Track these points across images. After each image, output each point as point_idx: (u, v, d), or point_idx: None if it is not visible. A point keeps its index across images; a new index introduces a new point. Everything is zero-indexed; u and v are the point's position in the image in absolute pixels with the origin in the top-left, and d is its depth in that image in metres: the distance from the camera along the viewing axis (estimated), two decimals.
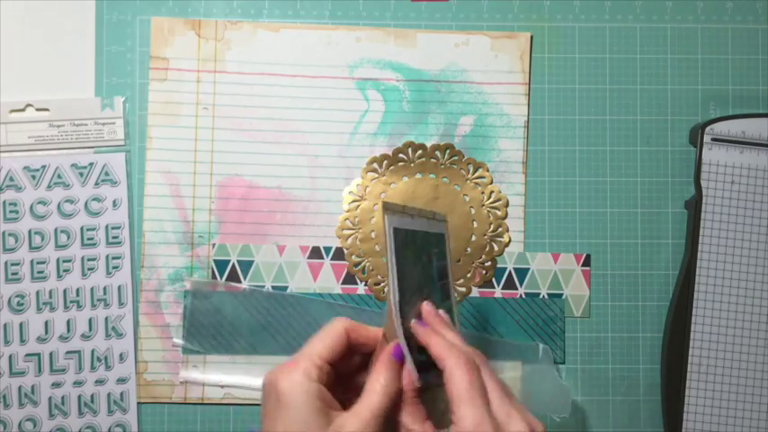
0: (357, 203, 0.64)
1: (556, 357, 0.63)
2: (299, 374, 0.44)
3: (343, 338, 0.46)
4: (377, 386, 0.44)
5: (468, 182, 0.64)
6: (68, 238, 0.63)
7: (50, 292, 0.63)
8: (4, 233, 0.63)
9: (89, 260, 0.63)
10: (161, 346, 0.63)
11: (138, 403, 0.63)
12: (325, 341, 0.46)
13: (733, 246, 0.62)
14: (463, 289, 0.64)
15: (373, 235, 0.64)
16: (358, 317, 0.63)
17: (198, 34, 0.64)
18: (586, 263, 0.64)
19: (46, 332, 0.63)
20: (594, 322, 0.64)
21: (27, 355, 0.63)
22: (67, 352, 0.63)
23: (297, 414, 0.43)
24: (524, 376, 0.63)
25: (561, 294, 0.64)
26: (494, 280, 0.64)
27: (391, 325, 0.45)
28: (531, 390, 0.63)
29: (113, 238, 0.63)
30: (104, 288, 0.63)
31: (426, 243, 0.49)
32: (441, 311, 0.48)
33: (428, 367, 0.45)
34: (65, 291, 0.63)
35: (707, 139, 0.63)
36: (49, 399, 0.62)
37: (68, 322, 0.63)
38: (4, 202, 0.63)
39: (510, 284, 0.64)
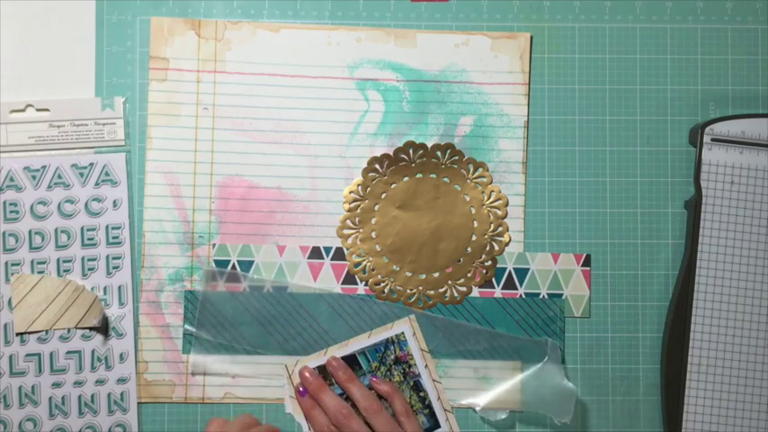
0: (358, 203, 0.64)
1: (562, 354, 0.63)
2: None
3: None
4: None
5: (469, 182, 0.64)
6: (69, 238, 0.63)
7: None
8: (4, 233, 0.63)
9: (89, 260, 0.63)
10: (161, 346, 0.63)
11: (139, 403, 0.63)
12: None
13: (733, 246, 0.62)
14: (464, 288, 0.64)
15: (374, 235, 0.64)
16: (357, 315, 0.63)
17: (198, 34, 0.64)
18: (586, 263, 0.64)
19: (46, 332, 0.63)
20: (594, 322, 0.64)
21: (27, 355, 0.62)
22: (68, 352, 0.63)
23: None
24: (530, 373, 0.63)
25: (561, 294, 0.64)
26: (494, 280, 0.64)
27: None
28: (535, 386, 0.62)
29: (113, 238, 0.63)
30: (104, 288, 0.63)
31: None
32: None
33: None
34: None
35: (707, 139, 0.63)
36: (50, 399, 0.62)
37: None
38: (5, 203, 0.63)
39: (510, 284, 0.64)
